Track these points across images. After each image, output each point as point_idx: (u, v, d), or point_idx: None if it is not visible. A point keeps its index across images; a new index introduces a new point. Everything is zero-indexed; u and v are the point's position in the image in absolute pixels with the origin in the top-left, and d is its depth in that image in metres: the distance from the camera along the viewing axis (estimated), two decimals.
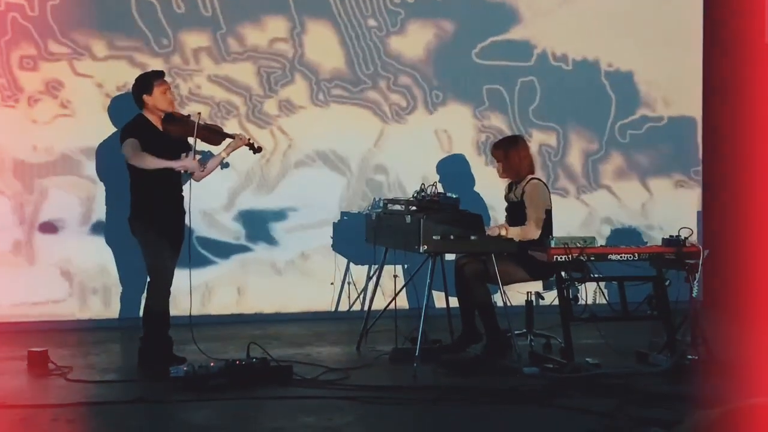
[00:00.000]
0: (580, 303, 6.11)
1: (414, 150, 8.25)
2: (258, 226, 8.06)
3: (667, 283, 6.24)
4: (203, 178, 6.45)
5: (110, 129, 7.42)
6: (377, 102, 8.25)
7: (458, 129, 8.41)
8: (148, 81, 6.19)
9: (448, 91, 8.38)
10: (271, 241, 8.08)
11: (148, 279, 6.17)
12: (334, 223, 8.14)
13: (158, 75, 6.25)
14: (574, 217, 8.50)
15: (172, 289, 6.22)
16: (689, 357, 5.98)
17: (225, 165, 6.43)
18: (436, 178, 7.99)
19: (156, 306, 6.12)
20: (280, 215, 8.09)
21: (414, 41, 8.30)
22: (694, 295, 6.14)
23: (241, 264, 8.01)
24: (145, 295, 6.26)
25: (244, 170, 7.90)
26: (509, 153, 6.63)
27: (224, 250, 7.98)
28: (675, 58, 8.85)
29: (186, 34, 7.83)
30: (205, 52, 7.87)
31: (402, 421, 5.08)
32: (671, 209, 8.75)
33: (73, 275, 7.63)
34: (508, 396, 5.41)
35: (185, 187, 6.26)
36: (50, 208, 7.56)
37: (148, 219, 6.11)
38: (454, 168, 8.29)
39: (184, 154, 6.18)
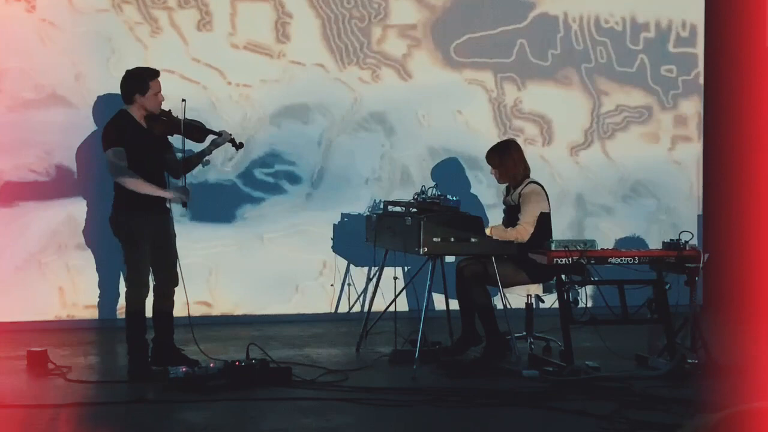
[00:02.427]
0: (579, 306, 6.11)
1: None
2: (252, 216, 8.04)
3: (667, 287, 6.24)
4: (184, 176, 6.33)
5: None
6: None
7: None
8: (143, 80, 6.01)
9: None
10: (268, 237, 8.07)
11: (126, 280, 6.05)
12: (334, 224, 8.14)
13: (154, 74, 6.07)
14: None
15: (177, 289, 6.14)
16: (689, 361, 5.98)
17: (206, 163, 6.27)
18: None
19: (130, 307, 5.99)
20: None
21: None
22: (694, 298, 6.14)
23: (239, 264, 8.01)
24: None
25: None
26: (503, 158, 6.62)
27: (222, 248, 7.99)
28: (673, 58, 8.88)
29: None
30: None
31: (401, 422, 5.08)
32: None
33: (71, 274, 7.65)
34: (507, 398, 5.41)
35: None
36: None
37: (129, 218, 5.95)
38: (451, 170, 8.30)
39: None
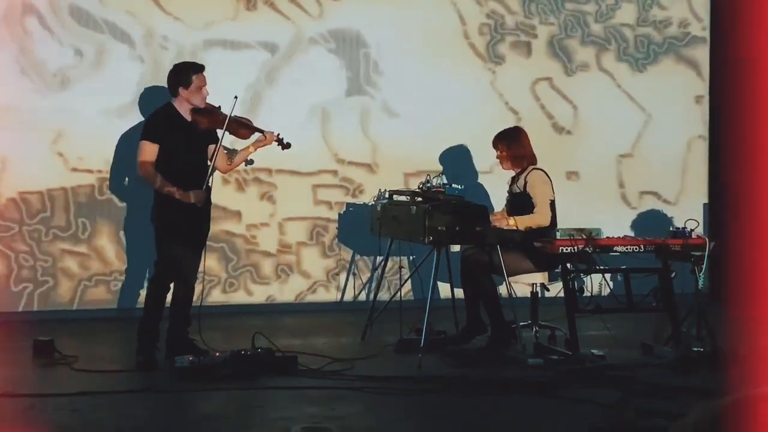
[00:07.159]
0: (585, 294, 6.11)
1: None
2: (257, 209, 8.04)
3: (672, 275, 6.24)
4: (229, 172, 6.33)
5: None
6: None
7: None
8: (187, 74, 6.05)
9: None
10: (272, 229, 8.07)
11: (155, 268, 6.13)
12: (339, 214, 8.14)
13: (198, 68, 6.10)
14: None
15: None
16: (694, 349, 5.98)
17: (249, 162, 6.30)
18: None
19: (150, 297, 6.08)
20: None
21: None
22: (699, 286, 6.14)
23: (246, 254, 8.02)
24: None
25: None
26: (517, 143, 6.60)
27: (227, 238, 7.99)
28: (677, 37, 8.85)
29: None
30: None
31: (406, 411, 5.09)
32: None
33: (81, 263, 7.67)
34: (512, 387, 5.42)
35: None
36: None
37: (165, 208, 6.00)
38: (456, 158, 8.29)
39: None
